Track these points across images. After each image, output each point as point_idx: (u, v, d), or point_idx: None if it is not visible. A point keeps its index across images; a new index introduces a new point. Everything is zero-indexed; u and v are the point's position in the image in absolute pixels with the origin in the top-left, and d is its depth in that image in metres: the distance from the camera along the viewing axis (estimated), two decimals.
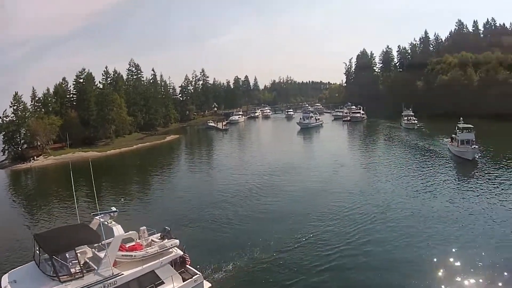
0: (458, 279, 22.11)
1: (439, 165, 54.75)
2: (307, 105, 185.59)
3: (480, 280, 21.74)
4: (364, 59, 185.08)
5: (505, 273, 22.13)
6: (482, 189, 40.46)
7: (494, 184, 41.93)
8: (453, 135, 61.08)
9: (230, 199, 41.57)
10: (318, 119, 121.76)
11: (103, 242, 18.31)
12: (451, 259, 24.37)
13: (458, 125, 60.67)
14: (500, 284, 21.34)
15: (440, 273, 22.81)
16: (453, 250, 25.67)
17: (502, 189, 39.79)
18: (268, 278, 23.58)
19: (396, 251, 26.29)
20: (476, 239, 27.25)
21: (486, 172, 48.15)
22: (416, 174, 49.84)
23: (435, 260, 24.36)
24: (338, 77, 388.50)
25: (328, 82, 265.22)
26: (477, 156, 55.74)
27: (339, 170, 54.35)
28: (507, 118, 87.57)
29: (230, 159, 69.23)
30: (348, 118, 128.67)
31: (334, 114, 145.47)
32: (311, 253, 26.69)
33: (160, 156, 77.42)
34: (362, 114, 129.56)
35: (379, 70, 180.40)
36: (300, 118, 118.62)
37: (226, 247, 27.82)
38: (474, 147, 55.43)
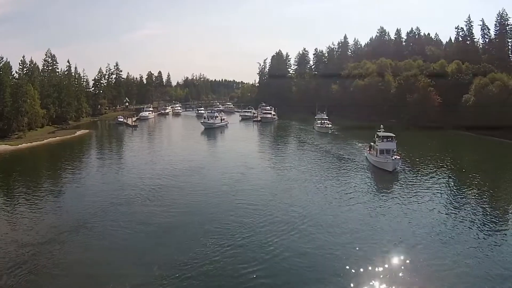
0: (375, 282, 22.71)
1: (355, 176, 50.21)
2: (217, 103, 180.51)
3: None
4: (279, 60, 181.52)
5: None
6: (400, 204, 37.97)
7: (413, 199, 39.47)
8: (372, 143, 55.93)
9: (127, 205, 37.49)
10: (223, 119, 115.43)
11: None
12: (362, 267, 24.36)
13: (378, 133, 55.16)
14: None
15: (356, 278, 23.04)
16: (366, 257, 25.71)
17: (421, 204, 37.49)
18: None
19: (309, 260, 25.75)
20: (389, 251, 27.04)
21: (406, 185, 44.97)
22: (330, 185, 45.68)
23: (347, 267, 24.42)
24: (251, 78, 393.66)
25: (241, 82, 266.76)
26: (398, 168, 50.72)
27: (247, 173, 51.24)
28: (427, 125, 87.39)
29: (135, 159, 66.01)
30: (259, 118, 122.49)
31: (242, 114, 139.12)
32: (217, 270, 24.19)
33: (68, 153, 74.72)
34: (274, 115, 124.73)
35: (294, 72, 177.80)
36: (204, 118, 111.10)
37: (103, 272, 23.54)
38: (395, 158, 50.05)
